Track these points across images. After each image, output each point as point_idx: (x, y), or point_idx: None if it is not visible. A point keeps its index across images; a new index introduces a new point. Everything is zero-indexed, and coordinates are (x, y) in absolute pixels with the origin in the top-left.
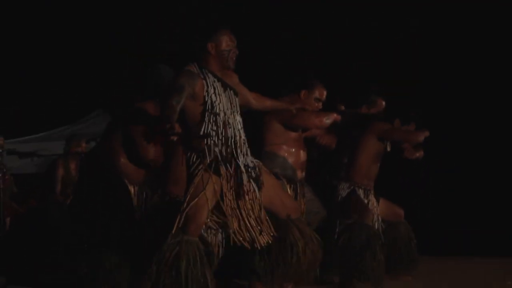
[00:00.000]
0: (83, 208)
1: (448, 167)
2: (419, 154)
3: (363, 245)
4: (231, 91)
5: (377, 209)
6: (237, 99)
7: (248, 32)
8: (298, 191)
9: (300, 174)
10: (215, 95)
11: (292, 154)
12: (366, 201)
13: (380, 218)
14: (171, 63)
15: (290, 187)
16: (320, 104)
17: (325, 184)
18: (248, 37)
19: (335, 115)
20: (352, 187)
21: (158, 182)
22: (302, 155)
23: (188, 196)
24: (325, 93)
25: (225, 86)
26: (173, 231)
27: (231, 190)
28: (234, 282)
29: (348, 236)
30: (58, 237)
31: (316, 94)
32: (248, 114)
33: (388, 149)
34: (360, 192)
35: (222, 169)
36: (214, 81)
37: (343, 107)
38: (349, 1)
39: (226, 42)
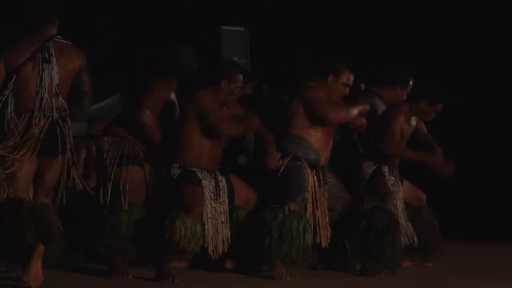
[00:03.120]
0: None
1: (468, 154)
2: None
3: (384, 230)
4: None
5: (400, 187)
6: None
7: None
8: (321, 177)
9: (324, 161)
10: None
11: (318, 138)
12: (392, 178)
13: (402, 198)
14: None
15: (312, 172)
16: (347, 89)
17: (347, 164)
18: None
19: (364, 105)
20: (377, 164)
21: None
22: (329, 139)
23: None
24: (352, 78)
25: None
26: None
27: None
28: (253, 264)
29: (369, 220)
30: (79, 217)
31: (344, 79)
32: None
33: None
34: (385, 169)
35: None
36: None
37: (363, 86)
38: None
39: None
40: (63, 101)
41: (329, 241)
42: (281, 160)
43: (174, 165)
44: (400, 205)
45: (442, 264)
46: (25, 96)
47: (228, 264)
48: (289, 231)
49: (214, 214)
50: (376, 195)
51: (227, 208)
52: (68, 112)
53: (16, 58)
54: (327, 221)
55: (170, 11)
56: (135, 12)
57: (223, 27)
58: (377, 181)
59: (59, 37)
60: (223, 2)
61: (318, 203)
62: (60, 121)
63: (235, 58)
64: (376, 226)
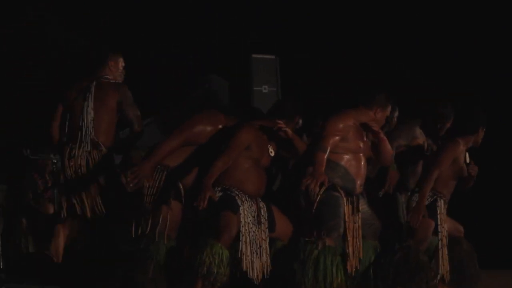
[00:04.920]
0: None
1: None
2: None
3: (419, 267)
4: None
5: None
6: None
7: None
8: (355, 205)
9: (359, 188)
10: None
11: (353, 164)
12: (444, 211)
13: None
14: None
15: (347, 200)
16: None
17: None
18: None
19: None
20: (434, 197)
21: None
22: (364, 166)
23: None
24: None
25: None
26: None
27: None
28: None
29: (406, 255)
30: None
31: (387, 112)
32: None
33: (467, 161)
34: (441, 203)
35: None
36: None
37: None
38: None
39: None
40: (95, 136)
41: (355, 269)
42: (318, 188)
43: (216, 188)
44: (445, 240)
45: None
46: (70, 130)
47: None
48: (323, 267)
49: (254, 239)
50: (416, 237)
51: (267, 236)
52: (102, 145)
53: (70, 98)
54: (360, 249)
55: (201, 39)
56: (167, 42)
57: (254, 55)
58: (423, 223)
59: (108, 77)
60: (254, 30)
61: (348, 231)
62: (91, 153)
63: (266, 86)
64: (411, 262)
